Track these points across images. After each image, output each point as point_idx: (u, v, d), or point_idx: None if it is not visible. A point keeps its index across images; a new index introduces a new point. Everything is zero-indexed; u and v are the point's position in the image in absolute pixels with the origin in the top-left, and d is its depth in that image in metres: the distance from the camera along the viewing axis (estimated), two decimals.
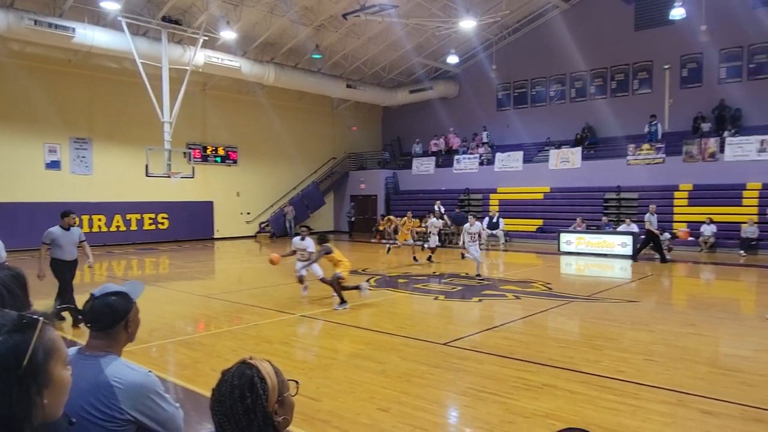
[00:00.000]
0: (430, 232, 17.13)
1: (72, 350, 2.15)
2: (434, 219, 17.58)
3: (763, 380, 5.80)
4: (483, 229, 16.63)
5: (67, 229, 8.44)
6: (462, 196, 25.02)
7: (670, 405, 5.00)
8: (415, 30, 23.98)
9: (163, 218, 23.23)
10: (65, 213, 8.53)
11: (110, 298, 2.13)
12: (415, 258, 16.62)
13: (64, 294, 8.38)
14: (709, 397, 5.16)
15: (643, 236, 18.22)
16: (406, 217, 18.12)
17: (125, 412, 1.95)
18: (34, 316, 1.18)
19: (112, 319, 2.11)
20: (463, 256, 14.78)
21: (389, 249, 18.30)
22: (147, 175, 19.01)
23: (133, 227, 22.22)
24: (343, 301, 9.53)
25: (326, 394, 5.38)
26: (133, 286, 2.22)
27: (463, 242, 13.69)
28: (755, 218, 17.63)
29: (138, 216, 22.39)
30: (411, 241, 17.28)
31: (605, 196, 21.73)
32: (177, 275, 14.80)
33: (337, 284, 9.57)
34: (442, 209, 22.35)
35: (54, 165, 20.67)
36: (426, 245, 17.22)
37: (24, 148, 19.83)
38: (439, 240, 22.00)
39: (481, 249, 13.98)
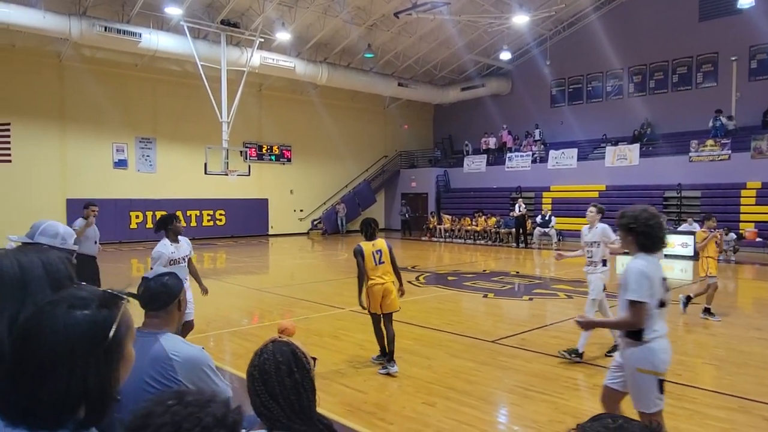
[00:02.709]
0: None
1: None
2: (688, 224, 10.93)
3: None
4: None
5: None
6: (514, 194, 24.63)
7: (731, 411, 4.81)
8: (467, 27, 23.78)
9: (220, 215, 24.03)
10: (87, 204, 7.98)
11: (164, 279, 2.32)
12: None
13: None
14: None
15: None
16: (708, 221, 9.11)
17: (181, 383, 2.11)
18: (118, 293, 1.27)
19: (168, 298, 2.31)
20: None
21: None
22: (206, 173, 19.70)
23: (193, 223, 23.06)
24: None
25: (373, 387, 5.47)
26: (178, 269, 2.40)
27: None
28: None
29: (197, 212, 23.24)
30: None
31: (665, 194, 20.90)
32: (233, 269, 15.30)
33: None
34: (523, 207, 21.12)
35: (121, 163, 21.75)
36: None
37: (94, 148, 20.97)
38: (525, 240, 20.49)
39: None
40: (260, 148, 25.59)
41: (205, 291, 6.21)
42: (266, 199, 25.72)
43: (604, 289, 6.63)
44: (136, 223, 21.58)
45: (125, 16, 19.19)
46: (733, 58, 21.19)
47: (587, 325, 3.56)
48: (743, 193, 19.12)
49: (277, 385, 1.54)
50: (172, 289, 2.33)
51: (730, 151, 19.77)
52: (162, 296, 2.30)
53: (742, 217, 18.61)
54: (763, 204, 18.41)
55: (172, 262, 5.57)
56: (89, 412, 1.13)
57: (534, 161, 25.22)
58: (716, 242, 8.88)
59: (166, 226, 5.75)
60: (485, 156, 27.24)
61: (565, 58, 25.74)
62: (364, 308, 6.07)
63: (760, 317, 9.07)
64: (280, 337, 1.68)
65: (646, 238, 3.26)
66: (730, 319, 8.61)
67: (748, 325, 8.10)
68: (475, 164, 27.42)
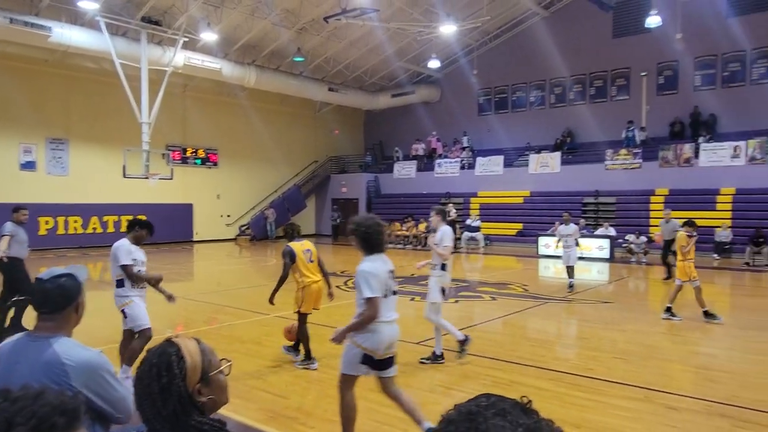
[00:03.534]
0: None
1: (19, 335, 2.14)
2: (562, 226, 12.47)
3: (729, 377, 5.90)
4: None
5: (20, 226, 7.89)
6: (443, 200, 25.09)
7: (636, 401, 5.06)
8: (396, 34, 24.06)
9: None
10: (17, 207, 8.01)
11: (61, 280, 2.13)
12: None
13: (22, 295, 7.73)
14: (675, 393, 5.24)
15: (620, 240, 18.48)
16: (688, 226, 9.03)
17: (76, 390, 1.95)
18: None
19: (64, 300, 2.12)
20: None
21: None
22: (124, 177, 18.79)
23: (110, 229, 21.89)
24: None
25: (294, 392, 5.37)
26: (77, 269, 2.21)
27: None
28: (728, 222, 17.94)
29: (115, 218, 22.08)
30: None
31: (584, 200, 21.96)
32: None
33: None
34: (454, 212, 21.36)
35: (29, 165, 20.33)
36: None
37: None
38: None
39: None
40: (184, 151, 24.71)
41: (171, 298, 6.18)
42: (191, 204, 24.85)
43: (444, 293, 6.45)
44: (46, 230, 20.19)
45: (34, 8, 18.00)
46: (643, 74, 22.64)
47: (340, 338, 3.89)
48: (652, 199, 20.40)
49: (146, 388, 1.47)
50: (70, 290, 2.14)
51: (641, 160, 21.05)
52: (58, 298, 2.11)
53: (652, 221, 19.81)
54: (671, 209, 19.65)
55: (139, 263, 5.69)
56: None
57: (462, 167, 25.83)
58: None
59: (134, 228, 5.76)
60: (415, 162, 27.63)
61: (491, 69, 26.58)
62: (272, 305, 6.28)
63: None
64: (176, 336, 1.59)
65: (365, 241, 3.85)
66: (639, 316, 9.12)
67: (655, 322, 8.60)
68: (405, 170, 27.74)
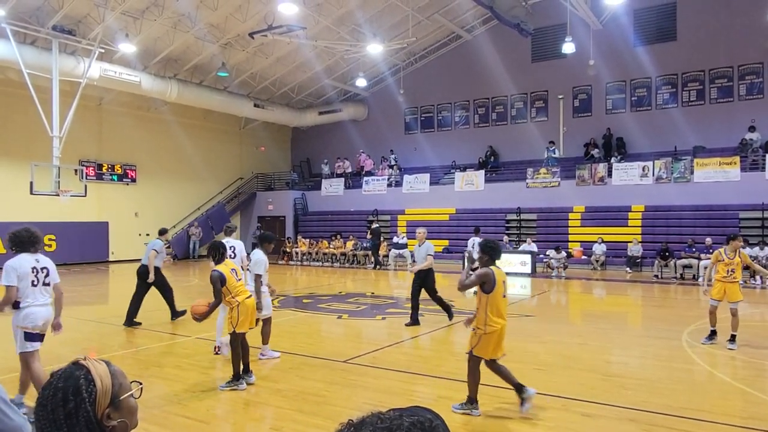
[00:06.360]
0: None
1: None
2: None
3: (639, 383, 6.21)
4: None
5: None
6: (371, 217, 25.22)
7: (555, 410, 5.21)
8: (323, 52, 24.12)
9: (50, 240, 21.41)
10: (164, 230, 11.04)
11: None
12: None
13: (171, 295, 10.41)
14: (590, 401, 5.44)
15: (540, 255, 19.24)
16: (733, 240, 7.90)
17: None
18: None
19: None
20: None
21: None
22: (32, 193, 17.57)
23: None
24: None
25: (217, 416, 5.15)
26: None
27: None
28: (639, 238, 19.09)
29: None
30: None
31: (507, 217, 22.72)
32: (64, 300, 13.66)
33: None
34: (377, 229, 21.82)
35: None
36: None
37: None
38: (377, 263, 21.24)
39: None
40: (100, 166, 23.46)
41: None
42: (106, 223, 23.55)
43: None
44: None
45: None
46: (560, 97, 23.89)
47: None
48: (570, 216, 21.41)
49: (50, 414, 1.36)
50: None
51: (559, 179, 22.08)
52: None
53: (570, 237, 20.79)
54: (586, 225, 20.75)
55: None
56: None
57: (390, 185, 26.08)
58: (730, 267, 7.57)
59: (268, 241, 7.29)
60: (343, 179, 27.62)
61: (417, 88, 27.16)
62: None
63: (582, 325, 10.10)
64: (85, 359, 1.48)
65: (14, 244, 5.10)
66: (558, 328, 9.47)
67: (572, 333, 8.96)
68: (333, 187, 27.67)
